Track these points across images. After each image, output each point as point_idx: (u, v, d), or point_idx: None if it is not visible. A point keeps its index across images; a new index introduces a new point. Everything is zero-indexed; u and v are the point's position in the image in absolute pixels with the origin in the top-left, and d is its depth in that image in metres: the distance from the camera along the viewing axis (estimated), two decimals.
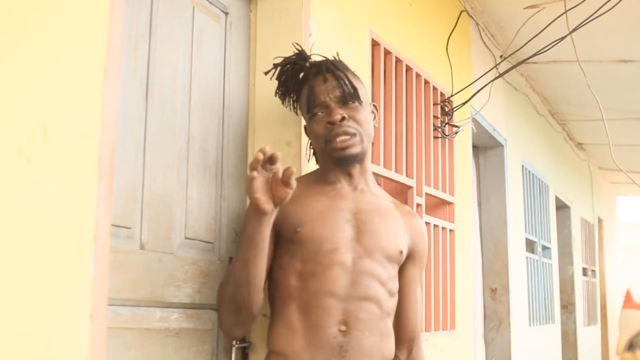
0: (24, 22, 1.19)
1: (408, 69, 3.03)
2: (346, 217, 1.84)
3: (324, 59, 1.96)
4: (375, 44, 2.73)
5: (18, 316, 1.15)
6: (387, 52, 2.84)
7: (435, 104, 3.33)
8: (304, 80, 1.93)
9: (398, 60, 2.93)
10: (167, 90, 1.84)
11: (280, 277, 1.82)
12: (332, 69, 1.89)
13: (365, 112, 1.88)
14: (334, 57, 1.97)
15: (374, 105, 1.98)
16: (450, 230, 3.40)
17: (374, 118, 1.96)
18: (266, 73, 2.02)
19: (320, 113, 1.86)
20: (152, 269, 1.73)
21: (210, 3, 2.05)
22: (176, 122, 1.87)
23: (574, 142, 6.98)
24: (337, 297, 1.76)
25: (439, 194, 3.28)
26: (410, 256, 1.95)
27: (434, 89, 3.32)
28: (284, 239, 1.82)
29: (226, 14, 2.12)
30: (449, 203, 3.44)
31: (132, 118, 1.72)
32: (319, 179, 1.92)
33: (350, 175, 1.90)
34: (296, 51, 1.98)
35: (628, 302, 8.66)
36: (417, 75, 3.12)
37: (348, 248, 1.81)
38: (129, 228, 1.69)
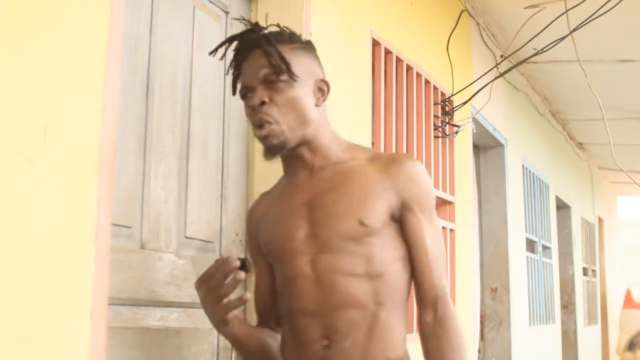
0: (25, 21, 1.19)
1: (409, 68, 3.03)
2: (301, 213, 1.69)
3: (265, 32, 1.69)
4: (375, 44, 2.73)
5: (18, 315, 1.16)
6: (387, 52, 2.84)
7: (435, 104, 3.33)
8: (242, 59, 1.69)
9: (399, 60, 2.93)
10: (168, 89, 1.84)
11: (277, 301, 1.79)
12: (262, 43, 1.64)
13: (296, 91, 1.64)
14: (279, 28, 1.72)
15: (322, 82, 1.70)
16: (451, 230, 3.40)
17: (321, 97, 1.70)
18: (210, 53, 1.77)
19: (248, 95, 1.66)
20: (152, 269, 1.73)
21: (211, 2, 2.05)
22: (176, 122, 1.87)
23: (575, 142, 6.98)
24: (311, 314, 1.67)
25: (439, 193, 3.28)
26: (405, 206, 1.70)
27: (435, 88, 3.32)
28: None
29: (227, 13, 2.12)
30: (450, 203, 3.44)
31: (133, 117, 1.72)
32: (284, 176, 1.78)
33: (300, 159, 1.70)
34: (247, 27, 1.71)
35: (628, 302, 8.65)
36: (418, 74, 3.12)
37: (306, 250, 1.67)
38: (130, 227, 1.69)
